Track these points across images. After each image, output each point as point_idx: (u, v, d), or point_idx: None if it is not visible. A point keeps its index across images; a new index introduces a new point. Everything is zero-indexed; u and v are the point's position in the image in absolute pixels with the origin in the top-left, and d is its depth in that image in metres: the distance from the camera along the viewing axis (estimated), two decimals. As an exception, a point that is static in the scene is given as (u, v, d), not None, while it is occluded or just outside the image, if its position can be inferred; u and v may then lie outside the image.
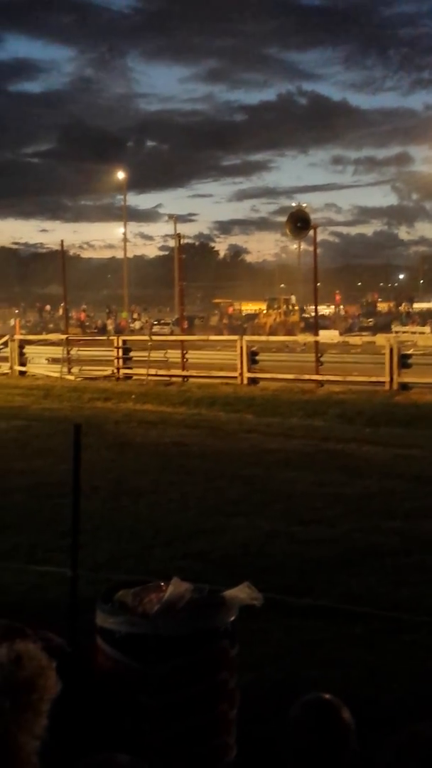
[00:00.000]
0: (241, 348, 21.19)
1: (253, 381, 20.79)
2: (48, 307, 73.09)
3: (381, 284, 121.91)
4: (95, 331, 51.18)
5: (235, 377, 20.98)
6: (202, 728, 3.18)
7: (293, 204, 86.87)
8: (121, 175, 74.38)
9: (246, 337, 23.44)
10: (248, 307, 68.96)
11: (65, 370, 23.13)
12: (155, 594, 3.48)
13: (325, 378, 20.24)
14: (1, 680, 1.78)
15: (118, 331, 46.40)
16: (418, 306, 78.38)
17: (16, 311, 76.12)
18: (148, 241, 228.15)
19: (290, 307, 56.09)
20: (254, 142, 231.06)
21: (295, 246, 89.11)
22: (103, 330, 51.41)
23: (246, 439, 13.37)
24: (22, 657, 1.88)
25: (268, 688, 4.35)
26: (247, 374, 20.90)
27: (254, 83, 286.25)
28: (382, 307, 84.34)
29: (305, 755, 1.87)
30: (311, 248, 26.25)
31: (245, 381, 20.79)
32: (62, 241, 27.23)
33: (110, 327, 53.21)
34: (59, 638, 3.12)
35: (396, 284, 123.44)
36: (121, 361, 22.98)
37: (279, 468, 10.87)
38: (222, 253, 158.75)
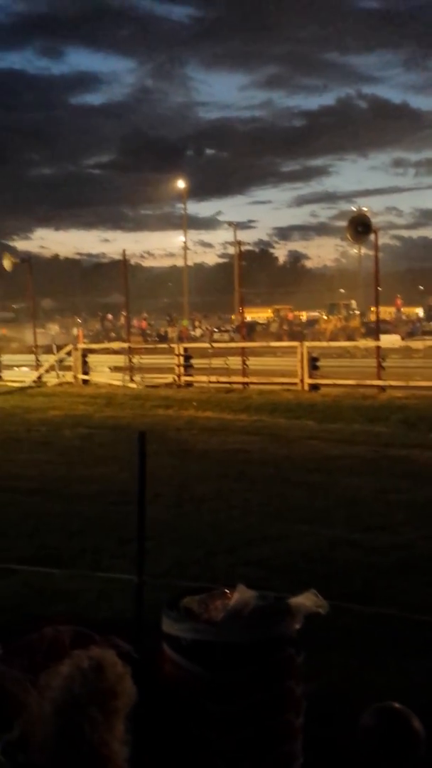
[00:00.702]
0: (302, 354, 21.13)
1: (314, 387, 20.71)
2: (110, 316, 73.82)
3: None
4: (156, 339, 51.55)
5: (296, 383, 20.92)
6: (269, 736, 3.18)
7: (353, 208, 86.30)
8: (181, 183, 74.89)
9: (307, 343, 23.36)
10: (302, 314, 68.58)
11: (127, 378, 23.35)
12: (221, 601, 3.50)
13: (387, 383, 20.07)
14: (87, 688, 1.78)
15: (179, 339, 46.67)
16: None
17: (79, 320, 77.01)
18: (207, 248, 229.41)
19: (351, 312, 55.69)
20: (314, 147, 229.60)
21: (355, 251, 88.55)
22: (163, 338, 51.76)
23: (308, 445, 13.33)
24: (102, 664, 1.89)
25: (334, 696, 4.33)
26: (308, 380, 20.83)
27: (313, 88, 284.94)
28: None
29: (375, 763, 1.86)
30: (372, 252, 26.10)
31: (306, 387, 20.72)
32: (124, 251, 27.59)
33: (171, 335, 53.54)
34: (127, 644, 3.16)
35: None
36: (182, 368, 23.10)
37: (342, 474, 10.80)
38: (281, 259, 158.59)
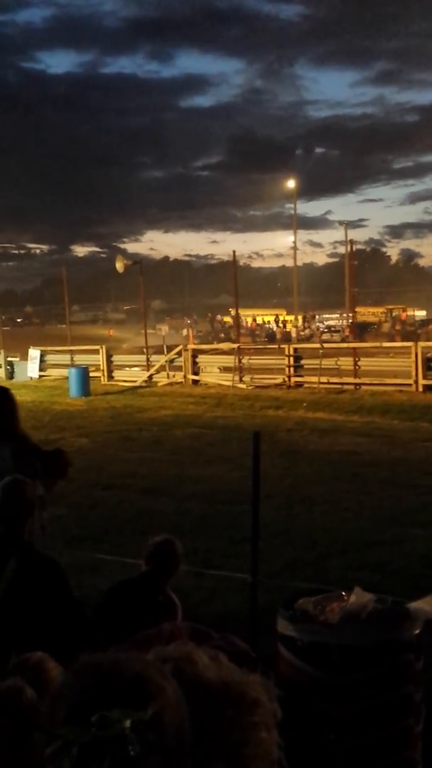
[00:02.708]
0: (416, 354, 20.70)
1: (428, 388, 20.25)
2: (219, 317, 74.31)
3: None
4: (265, 339, 51.55)
5: (410, 384, 20.51)
6: (388, 741, 3.13)
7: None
8: (291, 183, 74.61)
9: (421, 343, 22.85)
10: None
11: (237, 378, 23.42)
12: (337, 603, 3.46)
13: None
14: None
15: (288, 339, 46.52)
16: None
17: (189, 321, 77.88)
18: (317, 248, 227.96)
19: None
20: (427, 142, 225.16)
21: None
22: (272, 338, 51.70)
23: (423, 447, 13.04)
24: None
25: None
26: (422, 381, 20.39)
27: (426, 83, 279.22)
28: None
29: None
30: None
31: (420, 388, 20.29)
32: (234, 252, 27.56)
33: (280, 335, 53.45)
34: (244, 643, 3.15)
35: None
36: (292, 369, 23.01)
37: (458, 478, 10.52)
38: (394, 258, 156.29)
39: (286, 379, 22.84)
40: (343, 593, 3.52)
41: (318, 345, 25.84)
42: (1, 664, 2.73)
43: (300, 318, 62.49)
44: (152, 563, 4.22)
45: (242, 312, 46.33)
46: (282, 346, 27.12)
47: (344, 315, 52.20)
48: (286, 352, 23.59)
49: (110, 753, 1.05)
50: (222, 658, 1.45)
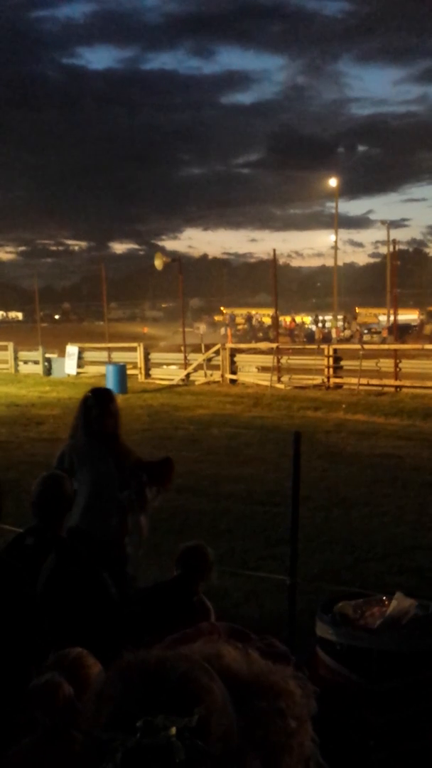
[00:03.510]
0: (458, 357, 20.48)
1: (470, 392, 20.02)
2: (257, 315, 74.25)
3: None
4: (304, 339, 51.37)
5: (452, 388, 20.29)
6: (428, 751, 3.06)
7: None
8: (332, 182, 74.20)
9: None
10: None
11: (275, 378, 23.34)
12: (377, 608, 3.41)
13: None
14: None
15: (327, 340, 46.29)
16: None
17: (227, 318, 77.91)
18: (358, 248, 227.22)
19: None
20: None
21: None
22: (311, 338, 51.50)
23: (464, 452, 12.87)
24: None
25: None
26: (464, 384, 20.16)
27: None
28: None
29: None
30: None
31: (462, 392, 20.06)
32: (274, 251, 27.42)
33: (319, 335, 53.23)
34: (283, 646, 3.11)
35: None
36: (331, 370, 22.87)
37: None
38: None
39: (325, 379, 22.71)
40: (384, 598, 3.47)
41: (358, 346, 25.63)
42: (40, 661, 2.72)
43: (340, 318, 62.22)
44: (184, 567, 4.22)
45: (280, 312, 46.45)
46: (321, 346, 26.94)
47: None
48: (326, 353, 23.45)
49: (155, 761, 1.03)
50: (252, 652, 1.42)
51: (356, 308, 76.33)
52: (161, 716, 1.06)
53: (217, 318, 73.82)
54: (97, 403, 5.11)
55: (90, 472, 5.00)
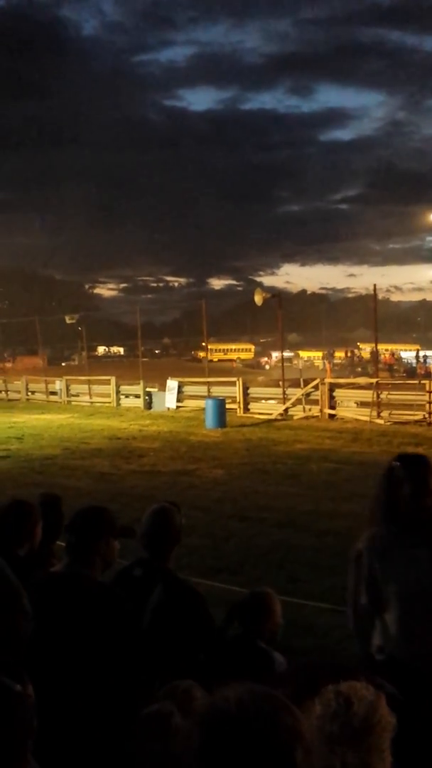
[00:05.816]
0: None
1: None
2: (357, 351, 73.72)
3: None
4: (404, 374, 50.61)
5: None
6: None
7: None
8: None
9: None
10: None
11: (374, 413, 23.06)
12: None
13: None
14: (336, 727, 1.70)
15: (428, 375, 45.48)
16: None
17: (327, 354, 77.63)
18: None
19: None
20: None
21: None
22: (412, 373, 50.69)
23: None
24: (351, 700, 1.82)
25: None
26: None
27: None
28: None
29: None
30: None
31: None
32: (375, 286, 27.27)
33: (421, 370, 52.34)
34: (390, 685, 3.07)
35: None
36: (432, 405, 22.44)
37: None
38: None
39: (427, 415, 22.30)
40: None
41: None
42: (146, 692, 2.77)
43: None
44: (244, 621, 4.00)
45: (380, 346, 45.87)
46: (423, 381, 26.47)
47: None
48: (427, 388, 23.04)
49: None
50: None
51: None
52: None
53: (364, 354, 71.99)
54: (410, 476, 3.52)
55: (399, 581, 3.48)
